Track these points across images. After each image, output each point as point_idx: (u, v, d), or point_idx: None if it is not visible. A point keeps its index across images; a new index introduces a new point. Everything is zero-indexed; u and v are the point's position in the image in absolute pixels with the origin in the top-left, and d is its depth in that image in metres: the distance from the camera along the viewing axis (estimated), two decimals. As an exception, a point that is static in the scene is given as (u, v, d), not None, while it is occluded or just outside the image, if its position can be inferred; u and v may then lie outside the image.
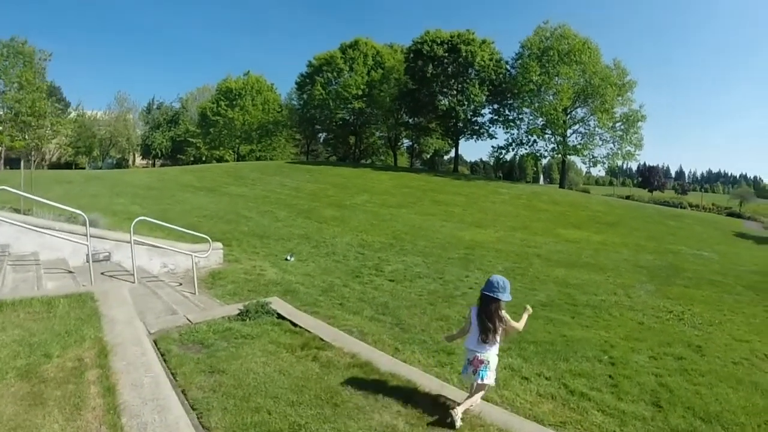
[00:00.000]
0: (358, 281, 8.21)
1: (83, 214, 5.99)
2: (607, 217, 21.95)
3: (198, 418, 2.72)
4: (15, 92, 28.33)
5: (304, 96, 46.85)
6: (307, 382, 3.19)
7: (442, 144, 51.94)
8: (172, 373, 3.29)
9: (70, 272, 6.14)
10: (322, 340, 4.03)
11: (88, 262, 5.83)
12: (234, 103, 49.97)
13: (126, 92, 73.50)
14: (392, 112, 43.87)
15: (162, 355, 3.51)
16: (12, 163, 35.12)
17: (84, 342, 3.10)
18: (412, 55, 39.86)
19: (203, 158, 52.44)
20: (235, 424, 2.63)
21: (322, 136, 54.31)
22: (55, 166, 49.98)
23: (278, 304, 4.88)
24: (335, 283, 7.78)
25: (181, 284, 6.91)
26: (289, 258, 9.21)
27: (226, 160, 48.98)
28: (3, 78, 30.62)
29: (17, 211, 9.02)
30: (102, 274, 6.41)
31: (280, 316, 4.50)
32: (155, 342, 3.87)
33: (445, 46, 38.15)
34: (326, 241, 11.29)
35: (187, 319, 4.47)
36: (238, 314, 4.50)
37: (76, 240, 6.42)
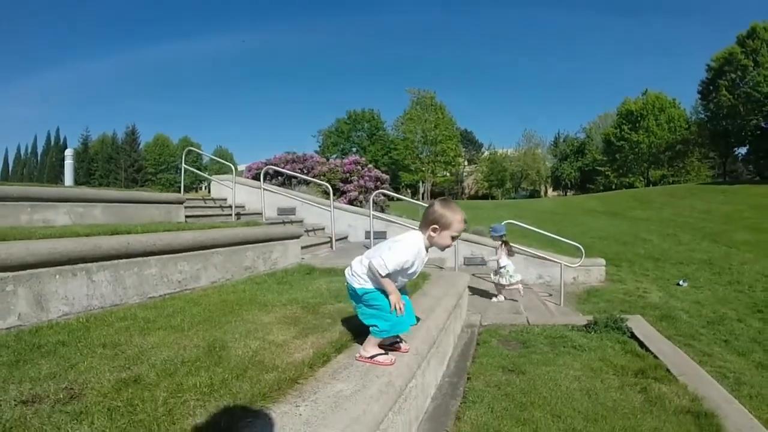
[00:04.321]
0: (759, 317, 6.11)
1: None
2: None
3: (459, 404, 2.52)
4: (429, 135, 36.27)
5: (711, 106, 40.13)
6: (612, 414, 2.40)
7: None
8: (473, 360, 3.23)
9: (440, 267, 6.82)
10: (668, 371, 3.04)
11: (462, 263, 6.80)
12: (637, 125, 47.47)
13: (533, 130, 76.79)
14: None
15: (477, 344, 3.58)
16: (436, 195, 43.26)
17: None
18: None
19: (612, 186, 50.37)
20: (489, 427, 2.26)
21: (739, 152, 45.00)
22: (473, 197, 58.88)
23: (636, 323, 4.09)
24: (727, 316, 6.20)
25: (551, 295, 6.72)
26: (681, 283, 8.17)
27: (636, 187, 45.16)
28: (422, 126, 40.30)
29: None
30: (473, 275, 6.73)
31: (632, 336, 3.78)
32: (479, 333, 3.87)
33: None
34: (732, 268, 9.53)
35: (527, 320, 4.32)
36: (585, 325, 4.02)
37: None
